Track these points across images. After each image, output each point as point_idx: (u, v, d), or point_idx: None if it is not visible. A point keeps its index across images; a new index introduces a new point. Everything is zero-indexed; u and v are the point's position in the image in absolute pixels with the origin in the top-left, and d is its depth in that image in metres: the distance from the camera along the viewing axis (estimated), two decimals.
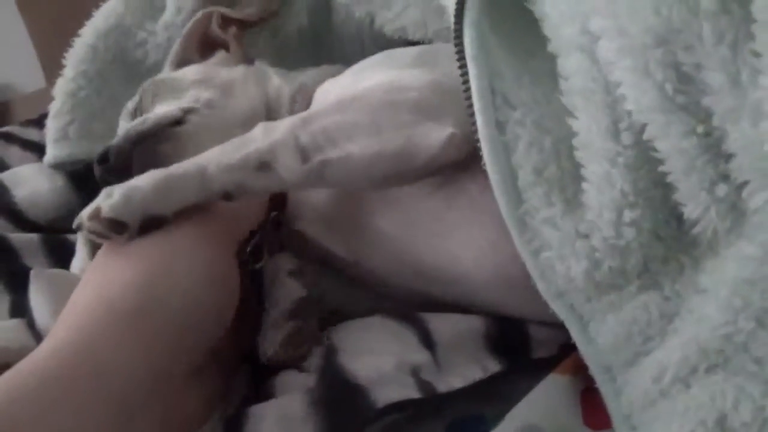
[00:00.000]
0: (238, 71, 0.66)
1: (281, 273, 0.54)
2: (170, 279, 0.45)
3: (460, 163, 0.50)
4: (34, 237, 0.69)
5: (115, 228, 0.46)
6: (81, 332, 0.42)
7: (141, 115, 0.62)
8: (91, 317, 0.43)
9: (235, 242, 0.50)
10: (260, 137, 0.49)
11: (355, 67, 0.61)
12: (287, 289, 0.53)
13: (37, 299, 0.54)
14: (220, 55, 0.69)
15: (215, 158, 0.48)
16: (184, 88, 0.63)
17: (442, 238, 0.52)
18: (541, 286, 0.45)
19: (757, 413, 0.39)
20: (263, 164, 0.48)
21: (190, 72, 0.66)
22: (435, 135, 0.48)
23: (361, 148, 0.48)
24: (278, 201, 0.57)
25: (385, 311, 0.53)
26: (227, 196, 0.48)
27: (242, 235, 0.52)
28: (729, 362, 0.41)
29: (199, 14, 0.70)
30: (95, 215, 0.46)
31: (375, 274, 0.55)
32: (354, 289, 0.58)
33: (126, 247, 0.47)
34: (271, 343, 0.50)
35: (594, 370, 0.45)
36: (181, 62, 0.69)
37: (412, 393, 0.46)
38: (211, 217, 0.49)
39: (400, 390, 0.46)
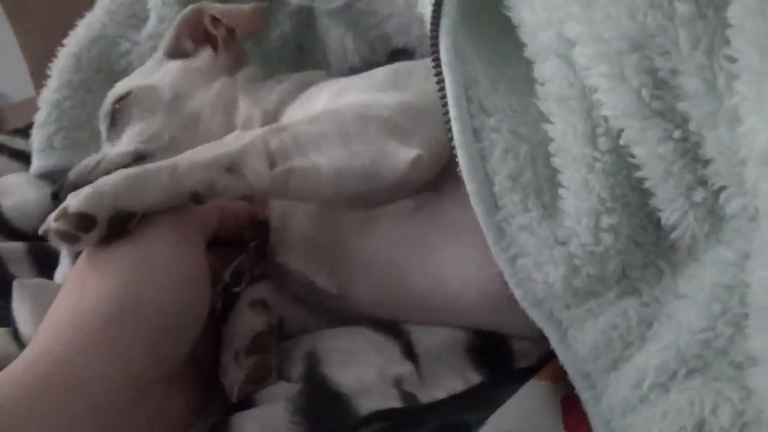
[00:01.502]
0: (211, 94, 0.65)
1: (242, 303, 0.54)
2: (142, 285, 0.44)
3: (438, 184, 0.50)
4: (19, 246, 0.69)
5: (84, 225, 0.44)
6: (58, 343, 0.42)
7: (114, 128, 0.63)
8: (67, 328, 0.43)
9: (203, 241, 0.50)
10: (233, 141, 0.49)
11: (333, 87, 0.61)
12: (246, 321, 0.52)
13: (20, 309, 0.54)
14: (206, 55, 0.68)
15: (188, 156, 0.48)
16: (157, 109, 0.63)
17: (426, 260, 0.51)
18: (518, 294, 0.45)
19: (736, 418, 0.39)
20: (232, 166, 0.48)
21: (168, 84, 0.65)
22: (401, 156, 0.48)
23: (329, 159, 0.48)
24: (261, 230, 0.56)
25: (368, 321, 0.53)
26: (196, 197, 0.47)
27: (209, 234, 0.51)
28: (708, 367, 0.41)
29: (194, 6, 0.69)
30: (62, 214, 0.45)
31: (360, 304, 0.54)
32: (321, 318, 0.57)
33: (99, 258, 0.46)
34: (233, 381, 0.49)
35: (573, 377, 0.45)
36: (174, 49, 0.69)
37: (395, 403, 0.46)
38: (179, 219, 0.48)
39: (383, 400, 0.46)
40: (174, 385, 0.47)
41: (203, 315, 0.48)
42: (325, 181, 0.49)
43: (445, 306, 0.51)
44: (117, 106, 0.64)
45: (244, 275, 0.55)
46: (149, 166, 0.47)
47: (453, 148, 0.46)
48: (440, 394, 0.47)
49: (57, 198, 0.57)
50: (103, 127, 0.64)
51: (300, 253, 0.56)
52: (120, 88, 0.66)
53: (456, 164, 0.46)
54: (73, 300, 0.45)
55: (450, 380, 0.48)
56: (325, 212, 0.54)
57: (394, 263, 0.52)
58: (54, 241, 0.45)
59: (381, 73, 0.60)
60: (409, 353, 0.50)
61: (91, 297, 0.44)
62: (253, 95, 0.65)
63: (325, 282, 0.55)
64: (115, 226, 0.45)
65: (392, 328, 0.52)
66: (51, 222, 0.45)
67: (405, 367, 0.48)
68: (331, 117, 0.51)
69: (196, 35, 0.69)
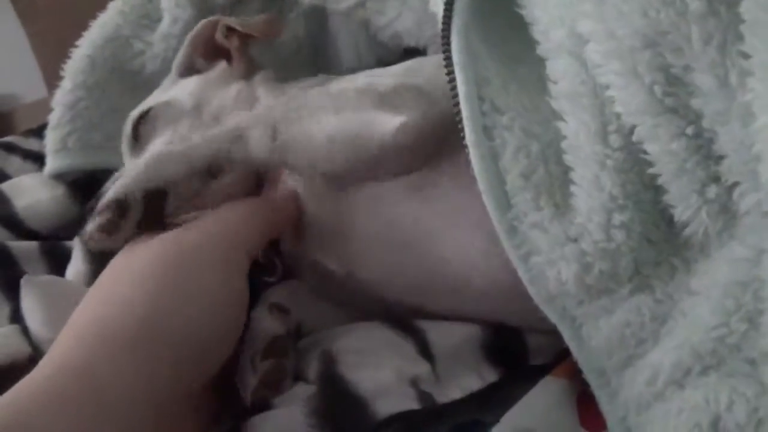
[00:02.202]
0: (231, 95, 0.64)
1: (261, 306, 0.53)
2: (178, 306, 0.43)
3: (438, 165, 0.51)
4: (33, 245, 0.70)
5: (120, 210, 0.48)
6: (80, 354, 0.41)
7: (138, 144, 0.62)
8: (90, 338, 0.42)
9: (248, 263, 0.49)
10: (241, 114, 0.54)
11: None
12: (263, 325, 0.52)
13: (28, 306, 0.55)
14: (221, 67, 0.68)
15: (201, 134, 0.52)
16: (179, 118, 0.62)
17: (425, 243, 0.51)
18: (532, 291, 0.45)
19: (752, 414, 0.39)
20: (239, 136, 0.52)
21: (186, 95, 0.65)
22: (389, 121, 0.50)
23: (321, 126, 0.51)
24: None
25: (384, 319, 0.53)
26: (211, 171, 0.51)
27: (253, 256, 0.50)
28: (722, 364, 0.41)
29: (204, 21, 0.69)
30: (103, 208, 0.48)
31: (367, 286, 0.54)
32: (339, 314, 0.57)
33: (132, 264, 0.46)
34: (247, 385, 0.49)
35: (587, 374, 0.45)
36: (187, 68, 0.69)
37: (413, 404, 0.46)
38: (227, 240, 0.48)
39: (400, 401, 0.46)
40: (191, 404, 0.46)
41: (236, 340, 0.47)
42: (318, 149, 0.52)
43: (449, 290, 0.52)
44: (138, 125, 0.64)
45: (276, 261, 0.56)
46: (166, 147, 0.52)
47: (465, 146, 0.46)
48: (457, 394, 0.47)
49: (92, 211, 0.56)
50: (126, 149, 0.64)
51: (308, 235, 0.56)
52: (137, 110, 0.65)
53: (455, 146, 0.47)
54: (98, 307, 0.44)
55: (466, 379, 0.48)
56: (330, 193, 0.55)
57: (395, 244, 0.52)
58: (94, 241, 0.49)
59: (396, 65, 0.60)
60: (425, 352, 0.50)
61: (119, 307, 0.43)
62: (272, 93, 0.65)
63: (332, 264, 0.55)
64: (150, 208, 0.49)
65: (408, 327, 0.52)
66: (96, 218, 0.48)
67: (421, 367, 0.48)
68: (334, 92, 0.54)
69: (207, 51, 0.68)
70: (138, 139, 0.63)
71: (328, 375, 0.48)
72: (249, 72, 0.68)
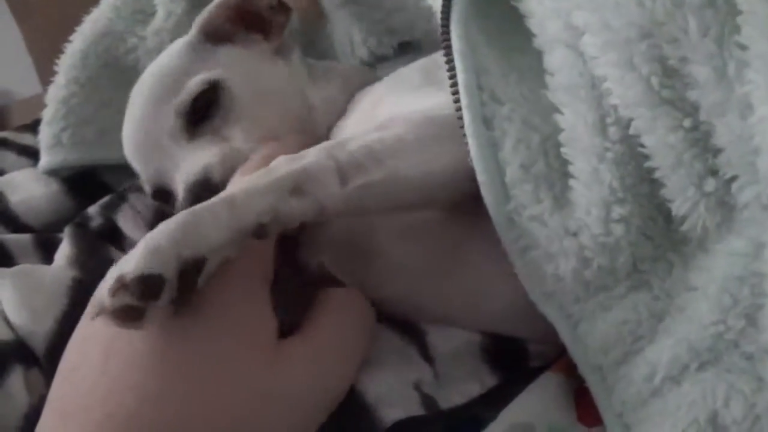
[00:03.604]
0: (280, 76, 0.63)
1: None
2: (203, 406, 0.38)
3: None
4: (27, 237, 0.69)
5: (150, 290, 0.37)
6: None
7: (201, 125, 0.59)
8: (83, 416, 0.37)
9: (271, 344, 0.43)
10: (287, 163, 0.44)
11: (373, 96, 0.60)
12: None
13: (4, 295, 0.54)
14: (259, 42, 0.65)
15: (242, 187, 0.42)
16: (234, 107, 0.60)
17: (453, 272, 0.50)
18: (528, 287, 0.44)
19: (749, 410, 0.38)
20: (298, 188, 0.43)
21: (239, 74, 0.61)
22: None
23: (409, 164, 0.46)
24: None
25: (385, 320, 0.52)
26: (260, 231, 0.41)
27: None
28: (720, 359, 0.40)
29: None
30: (119, 285, 0.36)
31: (382, 304, 0.52)
32: None
33: (149, 350, 0.39)
34: None
35: (584, 370, 0.44)
36: (212, 30, 0.64)
37: (417, 409, 0.45)
38: (248, 313, 0.42)
39: (406, 406, 0.45)
40: None
41: None
42: (408, 188, 0.46)
43: (468, 315, 0.51)
44: (195, 102, 0.60)
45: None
46: (199, 206, 0.41)
47: (464, 136, 0.45)
48: (458, 399, 0.47)
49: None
50: (178, 124, 0.60)
51: (331, 252, 0.54)
52: (197, 82, 0.60)
53: None
54: (95, 364, 0.39)
55: (467, 384, 0.48)
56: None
57: (422, 270, 0.51)
58: (112, 323, 0.37)
59: (414, 74, 0.59)
60: (426, 355, 0.49)
61: (121, 373, 0.38)
62: (321, 81, 0.64)
63: (350, 282, 0.53)
64: (185, 282, 0.38)
65: (409, 329, 0.51)
66: (106, 297, 0.37)
67: (423, 369, 0.48)
68: (399, 123, 0.48)
69: (239, 20, 0.65)
70: (198, 120, 0.59)
71: None
72: (284, 50, 0.66)
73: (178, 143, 0.60)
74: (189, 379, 0.39)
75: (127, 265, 0.37)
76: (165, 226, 0.39)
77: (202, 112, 0.59)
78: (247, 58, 0.64)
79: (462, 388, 0.48)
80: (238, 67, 0.62)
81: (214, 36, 0.64)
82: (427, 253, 0.51)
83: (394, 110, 0.52)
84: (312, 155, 0.45)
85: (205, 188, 0.54)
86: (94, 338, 0.41)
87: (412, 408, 0.45)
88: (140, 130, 0.62)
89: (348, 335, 0.46)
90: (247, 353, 0.41)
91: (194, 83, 0.60)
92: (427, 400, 0.46)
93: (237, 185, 0.43)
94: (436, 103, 0.50)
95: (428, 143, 0.47)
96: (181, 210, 0.42)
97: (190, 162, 0.58)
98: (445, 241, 0.51)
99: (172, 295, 0.37)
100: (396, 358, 0.49)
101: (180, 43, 0.65)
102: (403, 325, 0.52)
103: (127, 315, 0.37)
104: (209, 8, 0.64)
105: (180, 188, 0.58)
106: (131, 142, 0.64)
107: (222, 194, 0.42)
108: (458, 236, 0.50)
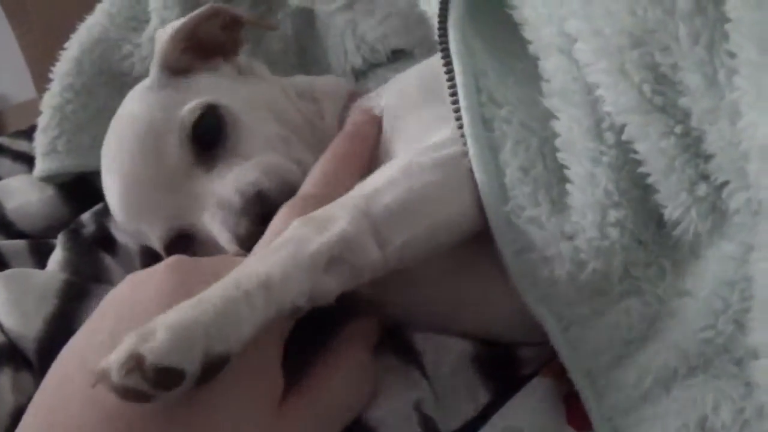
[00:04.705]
0: (260, 90, 0.61)
1: None
2: None
3: None
4: (22, 243, 0.69)
5: (166, 381, 0.33)
6: None
7: (209, 151, 0.56)
8: None
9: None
10: (316, 232, 0.41)
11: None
12: None
13: None
14: (221, 66, 0.63)
15: (274, 264, 0.39)
16: (253, 121, 0.58)
17: (458, 275, 0.50)
18: (522, 289, 0.45)
19: (737, 415, 0.39)
20: (333, 260, 0.40)
21: (232, 97, 0.59)
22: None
23: (444, 208, 0.45)
24: None
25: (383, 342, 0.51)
26: (294, 313, 0.39)
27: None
28: (709, 365, 0.41)
29: (202, 9, 0.62)
30: (135, 366, 0.33)
31: (391, 315, 0.52)
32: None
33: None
34: None
35: (574, 374, 0.44)
36: (172, 65, 0.61)
37: (416, 429, 0.45)
38: (258, 373, 0.40)
39: (406, 428, 0.45)
40: None
41: None
42: (448, 233, 0.45)
43: (469, 319, 0.51)
44: (197, 129, 0.56)
45: None
46: (236, 289, 0.37)
47: (462, 137, 0.45)
48: (455, 424, 0.47)
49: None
50: (187, 157, 0.56)
51: None
52: (191, 108, 0.57)
53: None
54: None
55: (463, 403, 0.48)
56: None
57: (424, 274, 0.49)
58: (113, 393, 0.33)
59: (411, 87, 0.57)
60: (425, 374, 0.48)
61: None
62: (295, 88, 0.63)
63: (367, 292, 0.50)
64: (206, 375, 0.35)
65: (406, 349, 0.50)
66: (114, 371, 0.33)
67: (423, 390, 0.47)
68: (412, 172, 0.46)
69: (195, 48, 0.62)
70: (206, 146, 0.56)
71: None
72: (247, 69, 0.65)
73: (195, 177, 0.56)
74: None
75: (149, 345, 0.33)
76: (199, 314, 0.35)
77: (208, 137, 0.56)
78: (221, 80, 0.61)
79: (458, 407, 0.47)
80: (217, 89, 0.59)
81: (177, 71, 0.61)
82: (436, 271, 0.50)
83: (407, 148, 0.50)
84: (343, 219, 0.42)
85: (261, 203, 0.52)
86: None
87: (412, 428, 0.45)
88: (138, 183, 0.57)
89: (351, 393, 0.45)
90: (252, 415, 0.38)
91: (188, 111, 0.56)
92: (426, 421, 0.46)
93: (265, 258, 0.40)
94: (447, 137, 0.48)
95: (454, 183, 0.46)
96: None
97: (221, 188, 0.54)
98: (454, 261, 0.50)
99: (188, 388, 0.35)
100: (396, 379, 0.48)
101: (141, 88, 0.62)
102: (401, 346, 0.51)
103: (133, 396, 0.33)
104: (162, 46, 0.61)
105: (217, 222, 0.54)
106: (128, 202, 0.58)
107: (249, 278, 0.38)
108: (469, 256, 0.49)
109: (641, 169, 0.42)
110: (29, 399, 0.40)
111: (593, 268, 0.43)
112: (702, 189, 0.40)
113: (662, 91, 0.40)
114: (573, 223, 0.43)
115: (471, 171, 0.45)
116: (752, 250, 0.39)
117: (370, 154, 0.47)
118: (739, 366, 0.40)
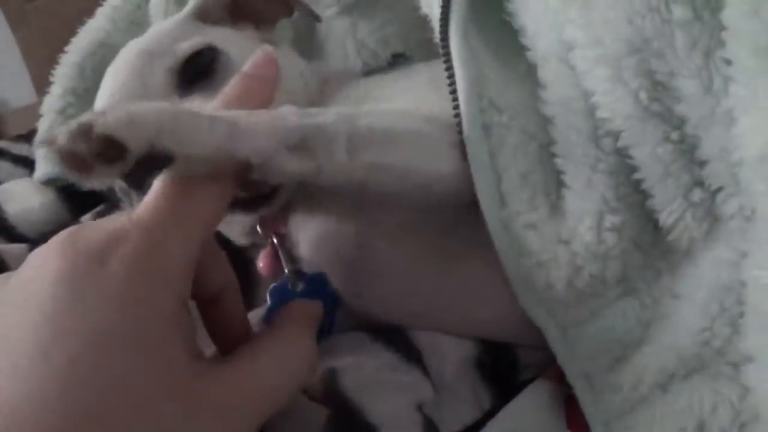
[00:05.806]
0: (284, 69, 0.55)
1: None
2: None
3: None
4: (23, 247, 0.70)
5: (108, 153, 0.33)
6: None
7: (195, 84, 0.55)
8: None
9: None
10: (298, 116, 0.41)
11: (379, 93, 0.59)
12: None
13: None
14: (250, 31, 0.63)
15: (250, 117, 0.39)
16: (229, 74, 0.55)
17: (445, 281, 0.50)
18: (518, 293, 0.45)
19: (735, 417, 0.39)
20: (302, 143, 0.40)
21: (236, 50, 0.58)
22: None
23: (423, 160, 0.45)
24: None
25: (383, 341, 0.51)
26: (242, 169, 0.39)
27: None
28: (706, 367, 0.41)
29: None
30: (82, 132, 0.33)
31: (372, 309, 0.52)
32: None
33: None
34: None
35: (571, 377, 0.45)
36: (205, 12, 0.61)
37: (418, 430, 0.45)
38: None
39: (407, 429, 0.45)
40: None
41: None
42: (413, 184, 0.45)
43: (462, 319, 0.51)
44: (189, 62, 0.56)
45: None
46: (203, 109, 0.38)
47: (460, 135, 0.46)
48: (456, 426, 0.47)
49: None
50: (170, 81, 0.56)
51: (319, 250, 0.53)
52: (188, 45, 0.57)
53: None
54: None
55: (464, 406, 0.48)
56: (354, 212, 0.52)
57: (413, 277, 0.51)
58: (55, 164, 0.37)
59: (423, 71, 0.58)
60: (426, 374, 0.49)
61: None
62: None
63: (341, 283, 0.53)
64: (139, 170, 0.35)
65: (407, 348, 0.50)
66: (62, 134, 0.33)
67: (425, 390, 0.48)
68: (410, 115, 0.47)
69: (234, 7, 0.63)
70: (188, 77, 0.55)
71: (337, 399, 0.47)
72: (272, 42, 0.64)
73: (170, 100, 0.54)
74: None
75: (103, 118, 0.33)
76: (161, 109, 0.35)
77: (197, 72, 0.56)
78: (239, 38, 0.61)
79: (460, 410, 0.48)
80: (230, 42, 0.59)
81: (205, 18, 0.61)
82: (421, 256, 0.51)
83: (415, 98, 0.51)
84: (329, 114, 0.42)
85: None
86: None
87: (414, 429, 0.45)
88: (122, 91, 0.56)
89: (284, 367, 0.41)
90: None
91: (188, 44, 0.56)
92: (428, 422, 0.46)
93: (241, 113, 0.39)
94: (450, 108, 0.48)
95: (444, 145, 0.46)
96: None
97: None
98: (441, 244, 0.51)
99: (123, 170, 0.34)
100: (398, 378, 0.48)
101: (169, 20, 0.62)
102: (402, 345, 0.51)
103: (75, 162, 0.33)
104: None
105: None
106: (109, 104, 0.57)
107: (228, 113, 0.39)
108: (444, 247, 0.50)
109: (636, 175, 0.42)
110: None
111: (590, 273, 0.43)
112: (697, 195, 0.41)
113: (659, 98, 0.41)
114: (570, 228, 0.44)
115: (461, 148, 0.45)
116: (746, 257, 0.40)
117: (270, 97, 0.44)
118: (736, 369, 0.40)
